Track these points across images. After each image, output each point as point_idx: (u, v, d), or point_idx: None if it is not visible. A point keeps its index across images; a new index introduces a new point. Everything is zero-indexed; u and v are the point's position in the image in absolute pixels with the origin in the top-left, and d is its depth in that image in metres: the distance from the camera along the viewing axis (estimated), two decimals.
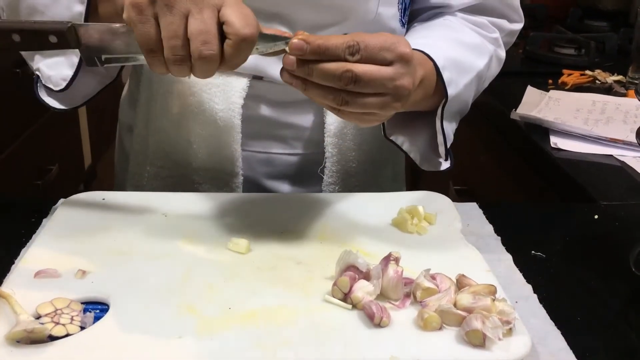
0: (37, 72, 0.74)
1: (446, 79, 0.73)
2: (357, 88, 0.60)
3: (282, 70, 0.61)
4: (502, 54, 0.87)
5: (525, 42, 1.61)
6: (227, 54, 0.58)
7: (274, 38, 0.60)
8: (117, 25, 0.61)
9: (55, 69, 0.72)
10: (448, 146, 0.79)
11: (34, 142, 1.99)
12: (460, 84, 0.77)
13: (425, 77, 0.70)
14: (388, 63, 0.61)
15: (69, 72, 0.72)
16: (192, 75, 0.61)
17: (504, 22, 0.87)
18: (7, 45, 0.63)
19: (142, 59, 0.61)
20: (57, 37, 0.62)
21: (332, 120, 0.84)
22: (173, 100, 0.83)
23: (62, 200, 0.78)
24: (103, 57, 0.63)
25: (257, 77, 0.82)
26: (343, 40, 0.59)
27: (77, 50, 0.65)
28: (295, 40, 0.59)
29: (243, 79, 0.81)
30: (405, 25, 0.87)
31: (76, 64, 0.71)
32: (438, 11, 0.86)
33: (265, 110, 0.85)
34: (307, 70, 0.60)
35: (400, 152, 0.79)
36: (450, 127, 0.79)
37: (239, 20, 0.56)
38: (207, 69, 0.58)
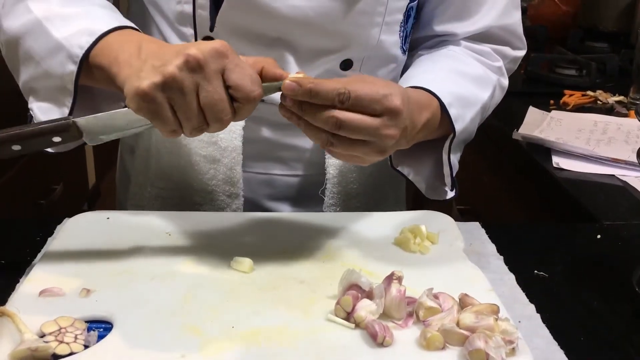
0: (31, 112, 0.74)
1: (453, 116, 0.75)
2: (342, 133, 0.62)
3: (281, 105, 0.63)
4: (505, 82, 0.88)
5: (527, 63, 1.62)
6: (238, 113, 0.60)
7: (276, 86, 0.62)
8: (116, 110, 0.63)
9: (46, 113, 0.72)
10: (454, 175, 0.79)
11: (38, 161, 1.99)
12: (467, 118, 0.78)
13: (430, 119, 0.72)
14: (377, 114, 0.63)
15: None
16: None
17: (507, 49, 0.88)
18: (8, 155, 0.64)
19: (140, 128, 0.63)
20: (60, 136, 0.64)
21: None
22: None
23: (66, 219, 0.79)
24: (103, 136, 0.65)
25: None
26: (334, 87, 0.61)
27: (71, 100, 0.68)
28: (287, 82, 0.61)
29: None
30: (407, 53, 0.88)
31: (67, 114, 0.70)
32: (443, 39, 0.87)
33: (266, 132, 0.85)
34: (300, 110, 0.62)
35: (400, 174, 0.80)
36: (455, 157, 0.80)
37: (245, 84, 0.58)
38: (221, 128, 0.61)
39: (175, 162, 0.85)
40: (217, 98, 0.58)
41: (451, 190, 0.80)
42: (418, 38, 0.89)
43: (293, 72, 0.78)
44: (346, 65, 0.82)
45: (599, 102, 1.45)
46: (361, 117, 0.62)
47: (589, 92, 1.48)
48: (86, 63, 0.68)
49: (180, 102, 0.58)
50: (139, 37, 0.66)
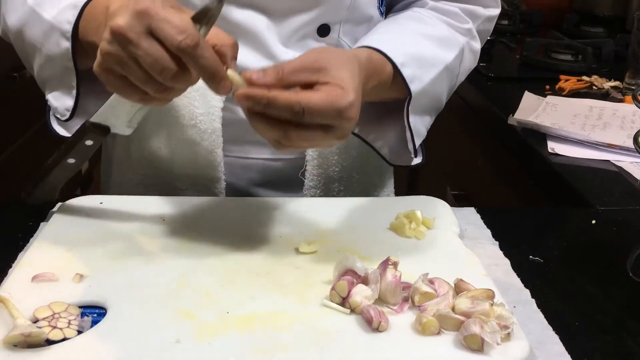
0: (48, 103, 0.76)
1: (407, 76, 0.73)
2: (305, 119, 0.58)
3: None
4: (477, 45, 0.86)
5: (522, 47, 1.61)
6: (189, 66, 0.57)
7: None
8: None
9: (59, 100, 0.74)
10: (417, 142, 0.79)
11: (31, 145, 1.98)
12: (425, 78, 0.76)
13: (379, 83, 0.70)
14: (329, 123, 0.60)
15: (70, 103, 0.73)
16: None
17: (478, 9, 0.86)
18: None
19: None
20: (90, 138, 0.68)
21: None
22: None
23: (59, 204, 0.78)
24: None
25: None
26: (288, 103, 0.57)
27: (74, 79, 0.71)
28: (240, 93, 0.59)
29: None
30: (384, 15, 0.86)
31: (74, 96, 0.72)
32: (411, 0, 0.85)
33: (244, 113, 0.84)
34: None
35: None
36: (422, 122, 0.79)
37: (168, 36, 0.55)
38: (181, 85, 0.58)
39: (155, 146, 0.84)
40: (150, 60, 0.55)
41: (415, 156, 0.79)
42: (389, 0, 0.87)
43: (271, 40, 0.77)
44: (323, 31, 0.80)
45: (594, 87, 1.45)
46: (325, 101, 0.58)
47: (585, 77, 1.47)
48: (80, 40, 0.68)
49: (126, 71, 0.57)
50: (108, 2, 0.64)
